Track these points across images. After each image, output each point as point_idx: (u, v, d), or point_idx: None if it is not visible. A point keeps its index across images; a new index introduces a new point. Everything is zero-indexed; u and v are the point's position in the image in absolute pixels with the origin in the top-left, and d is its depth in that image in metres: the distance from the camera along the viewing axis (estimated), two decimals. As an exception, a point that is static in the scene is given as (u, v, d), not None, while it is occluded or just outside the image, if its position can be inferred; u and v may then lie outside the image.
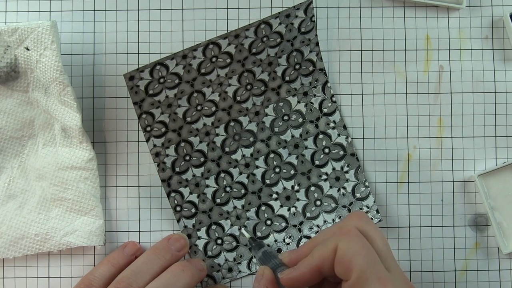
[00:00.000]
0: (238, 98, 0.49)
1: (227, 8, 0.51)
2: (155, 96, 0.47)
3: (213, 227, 0.50)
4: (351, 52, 0.51)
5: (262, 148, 0.50)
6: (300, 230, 0.50)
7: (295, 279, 0.39)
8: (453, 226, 0.51)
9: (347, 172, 0.50)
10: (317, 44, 0.49)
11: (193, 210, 0.49)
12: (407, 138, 0.51)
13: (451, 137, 0.51)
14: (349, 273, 0.36)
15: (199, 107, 0.48)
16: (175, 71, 0.46)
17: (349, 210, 0.50)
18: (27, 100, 0.48)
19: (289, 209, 0.50)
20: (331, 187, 0.50)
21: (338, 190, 0.50)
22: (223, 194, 0.50)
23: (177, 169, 0.49)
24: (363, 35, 0.51)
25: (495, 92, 0.51)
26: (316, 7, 0.51)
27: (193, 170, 0.49)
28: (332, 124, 0.50)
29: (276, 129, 0.50)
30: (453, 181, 0.51)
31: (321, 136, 0.50)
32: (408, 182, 0.51)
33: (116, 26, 0.50)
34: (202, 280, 0.50)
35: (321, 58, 0.50)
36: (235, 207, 0.50)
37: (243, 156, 0.50)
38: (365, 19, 0.51)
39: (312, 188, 0.50)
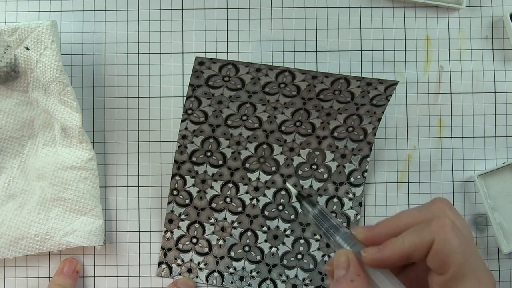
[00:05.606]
0: (283, 128, 0.49)
1: (227, 8, 0.51)
2: (212, 89, 0.47)
3: (196, 225, 0.50)
4: (351, 52, 0.51)
5: (278, 181, 0.50)
6: (269, 271, 0.50)
7: (381, 260, 0.36)
8: (453, 226, 0.51)
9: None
10: (379, 120, 0.48)
11: (187, 201, 0.49)
12: (407, 138, 0.51)
13: (451, 137, 0.51)
14: (445, 268, 0.35)
15: (244, 117, 0.48)
16: (242, 77, 0.46)
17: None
18: (27, 100, 0.48)
19: (270, 248, 0.50)
20: (318, 249, 0.50)
21: (323, 256, 0.50)
22: (221, 202, 0.50)
23: (194, 159, 0.49)
24: (363, 35, 0.51)
25: (495, 92, 0.51)
26: (316, 7, 0.51)
27: (207, 167, 0.49)
28: (350, 195, 0.50)
29: (300, 172, 0.50)
30: (453, 181, 0.51)
31: (335, 200, 0.50)
32: (408, 182, 0.51)
33: (116, 26, 0.50)
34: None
35: (375, 134, 0.49)
36: (225, 219, 0.50)
37: (258, 179, 0.50)
38: (365, 19, 0.51)
39: (301, 241, 0.50)
